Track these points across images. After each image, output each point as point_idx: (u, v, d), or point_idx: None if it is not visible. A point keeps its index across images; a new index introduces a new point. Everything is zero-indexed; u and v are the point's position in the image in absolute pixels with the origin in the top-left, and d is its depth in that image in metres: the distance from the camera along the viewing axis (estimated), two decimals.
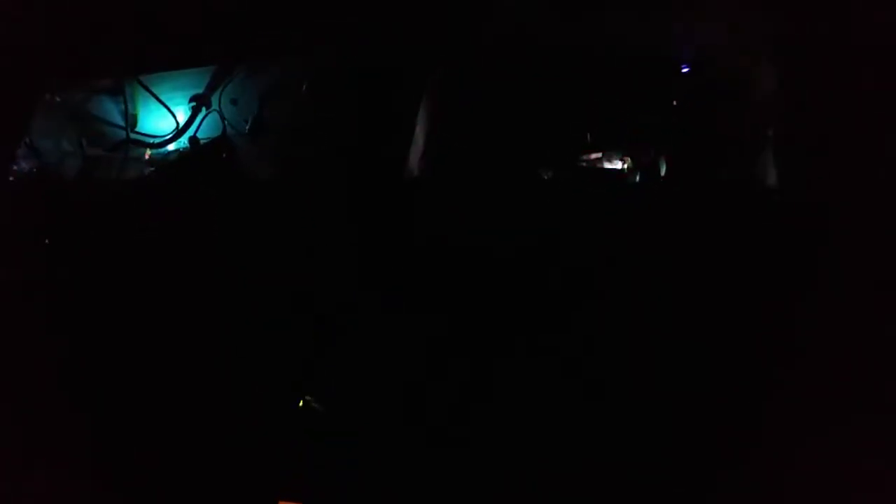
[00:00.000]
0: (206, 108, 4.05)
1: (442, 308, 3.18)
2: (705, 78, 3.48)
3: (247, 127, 3.92)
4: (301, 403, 3.11)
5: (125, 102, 4.05)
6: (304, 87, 3.78)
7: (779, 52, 3.20)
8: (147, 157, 4.07)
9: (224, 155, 3.70)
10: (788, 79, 3.15)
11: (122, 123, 4.10)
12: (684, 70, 3.64)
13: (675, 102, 3.53)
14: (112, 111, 4.12)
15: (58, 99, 3.95)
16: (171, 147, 4.08)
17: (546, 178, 3.47)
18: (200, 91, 4.06)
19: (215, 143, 3.84)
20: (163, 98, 4.09)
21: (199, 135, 4.00)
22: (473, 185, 3.50)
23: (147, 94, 4.09)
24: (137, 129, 4.15)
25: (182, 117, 4.10)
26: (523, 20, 3.53)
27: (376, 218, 3.42)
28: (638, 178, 3.38)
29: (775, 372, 2.63)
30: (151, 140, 4.10)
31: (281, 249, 3.45)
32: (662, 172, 3.38)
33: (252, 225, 3.54)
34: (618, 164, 3.45)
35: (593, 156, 3.46)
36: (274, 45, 3.92)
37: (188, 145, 3.94)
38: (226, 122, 3.96)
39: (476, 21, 3.62)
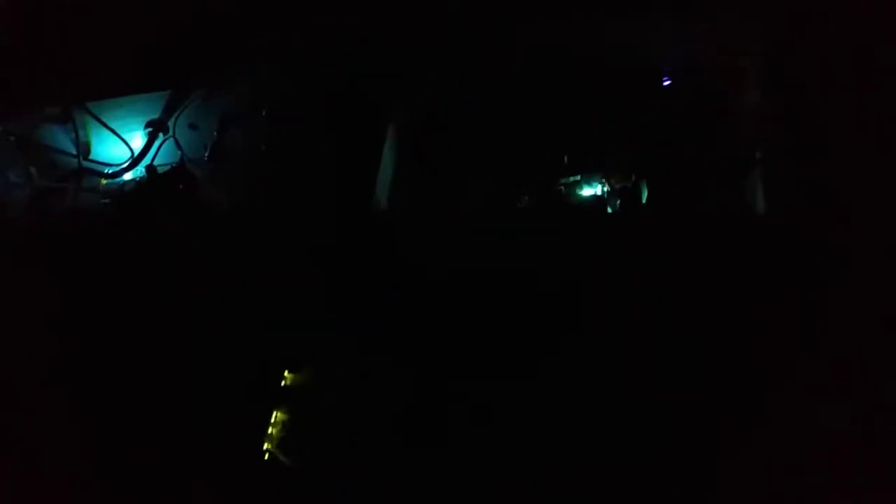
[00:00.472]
0: (164, 134, 3.84)
1: (409, 337, 3.00)
2: (687, 91, 3.38)
3: (206, 154, 3.71)
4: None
5: (75, 130, 3.80)
6: (265, 111, 3.58)
7: (762, 67, 3.10)
8: (101, 187, 3.83)
9: (181, 186, 3.47)
10: (770, 95, 3.06)
11: (73, 152, 3.84)
12: (665, 83, 3.52)
13: (658, 118, 3.42)
14: (63, 139, 3.87)
15: (1, 128, 3.69)
16: (126, 176, 3.85)
17: (521, 205, 3.31)
18: (157, 116, 3.84)
19: (172, 173, 3.61)
20: (118, 124, 3.86)
21: (156, 162, 3.78)
22: (444, 210, 3.37)
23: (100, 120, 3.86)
24: (91, 158, 3.91)
25: (138, 144, 3.87)
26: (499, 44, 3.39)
27: (344, 249, 3.22)
28: (617, 202, 3.22)
29: (756, 400, 2.57)
30: (106, 169, 3.86)
31: (241, 283, 3.24)
32: (643, 192, 3.25)
33: (212, 258, 3.33)
34: (597, 188, 3.29)
35: (571, 179, 3.30)
36: (234, 67, 3.73)
37: (145, 174, 3.71)
38: (183, 150, 3.75)
39: (450, 44, 3.46)
